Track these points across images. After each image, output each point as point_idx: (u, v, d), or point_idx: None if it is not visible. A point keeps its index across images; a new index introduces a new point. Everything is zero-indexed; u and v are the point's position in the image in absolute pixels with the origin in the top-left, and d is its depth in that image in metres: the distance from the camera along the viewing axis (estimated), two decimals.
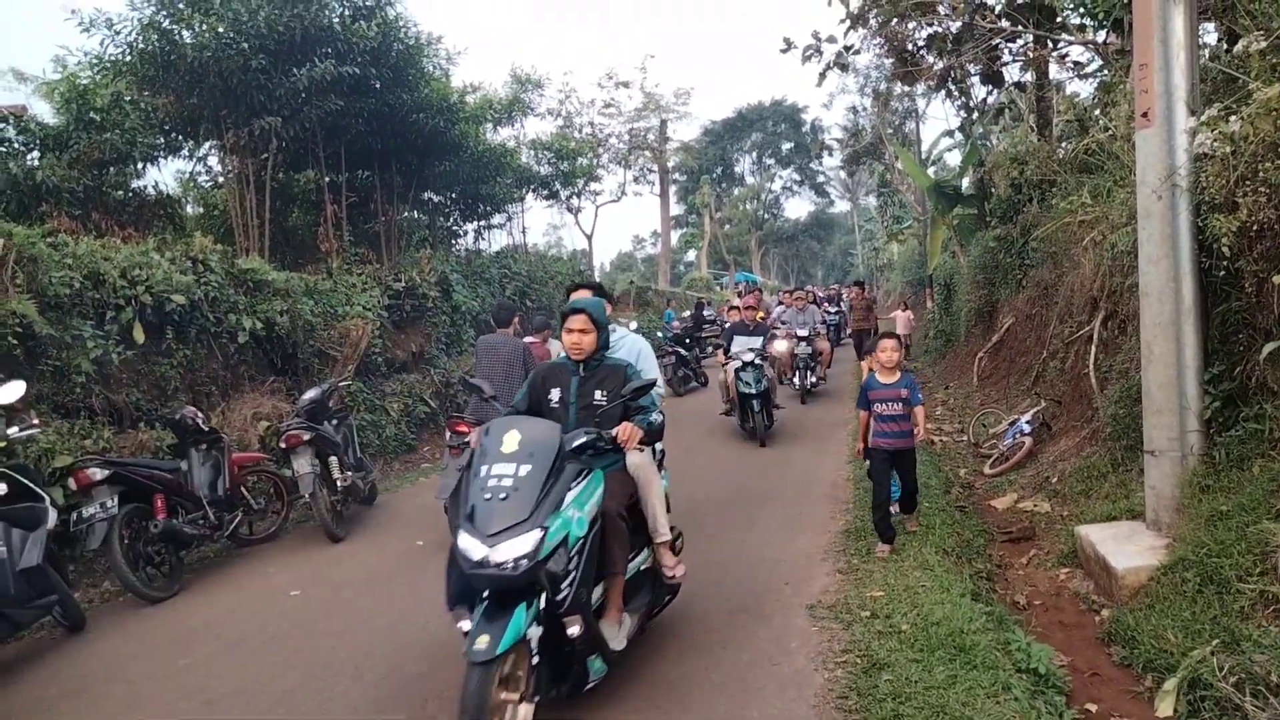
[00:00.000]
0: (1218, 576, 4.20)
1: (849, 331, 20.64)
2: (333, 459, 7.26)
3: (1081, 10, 9.42)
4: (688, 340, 16.35)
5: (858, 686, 3.75)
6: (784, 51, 13.96)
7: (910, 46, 14.55)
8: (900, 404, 5.69)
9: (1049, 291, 10.55)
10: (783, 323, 13.73)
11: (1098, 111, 8.84)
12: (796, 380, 12.97)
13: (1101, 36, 10.61)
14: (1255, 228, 4.13)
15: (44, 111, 11.92)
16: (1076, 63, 13.12)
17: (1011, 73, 14.53)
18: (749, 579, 5.43)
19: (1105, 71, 9.90)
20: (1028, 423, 8.92)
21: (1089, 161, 8.19)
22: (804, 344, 12.93)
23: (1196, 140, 4.53)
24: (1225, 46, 5.51)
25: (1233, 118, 4.17)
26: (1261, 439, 4.60)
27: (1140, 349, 5.31)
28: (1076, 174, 9.14)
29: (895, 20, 13.82)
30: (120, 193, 11.61)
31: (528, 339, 8.37)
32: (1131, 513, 5.66)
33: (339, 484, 7.23)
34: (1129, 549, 5.04)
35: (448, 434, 6.78)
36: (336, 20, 11.55)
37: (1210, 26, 5.95)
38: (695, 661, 4.21)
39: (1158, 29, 4.90)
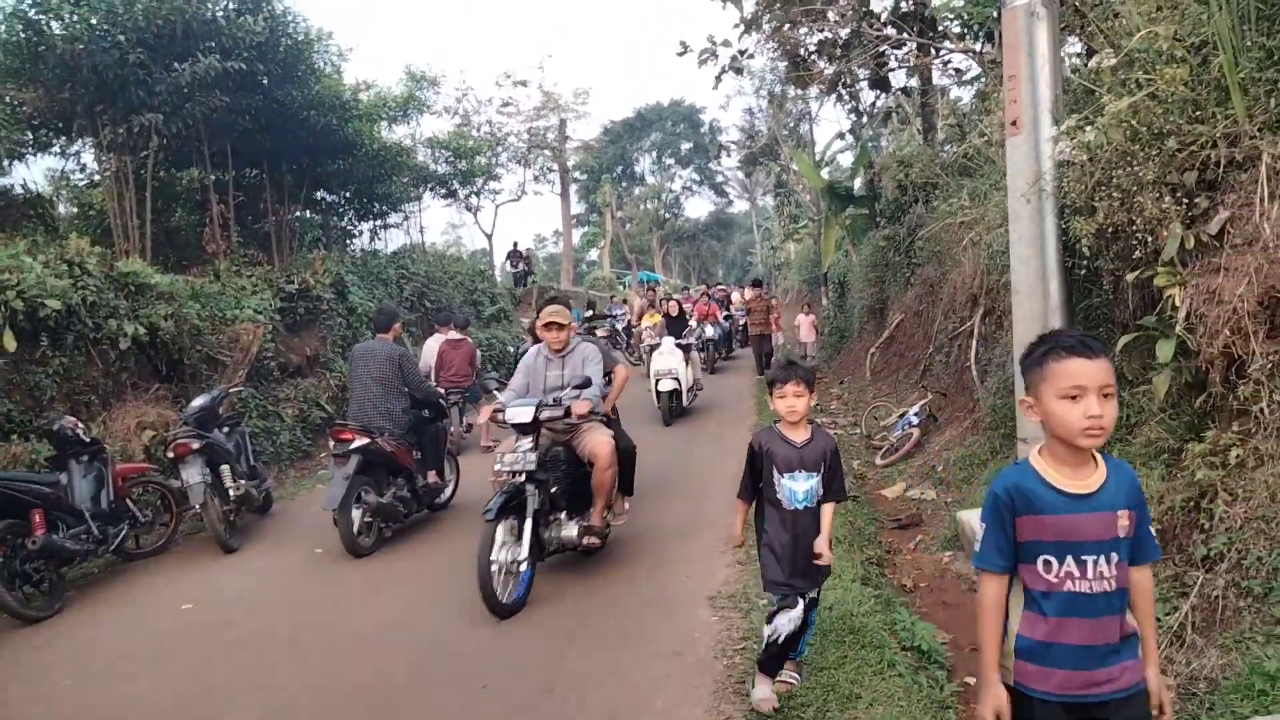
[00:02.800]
0: None
1: (743, 337, 19.67)
2: (224, 467, 7.03)
3: (958, 22, 9.90)
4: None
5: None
6: (680, 55, 14.19)
7: (802, 52, 15.04)
8: (1115, 558, 2.13)
9: (935, 289, 11.05)
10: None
11: (976, 117, 9.32)
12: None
13: (979, 46, 11.19)
14: (1110, 230, 4.46)
15: None
16: (958, 70, 13.79)
17: (899, 78, 15.19)
18: (653, 574, 5.55)
19: (984, 79, 10.44)
20: (915, 415, 9.35)
21: (968, 165, 8.63)
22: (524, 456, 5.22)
23: (1057, 148, 4.88)
24: (1086, 60, 5.91)
25: (1088, 128, 4.51)
26: (1122, 425, 4.96)
27: (1015, 343, 5.66)
28: (957, 177, 9.61)
29: (787, 25, 14.25)
30: None
31: (451, 334, 10.74)
32: None
33: (232, 493, 7.01)
34: None
35: (331, 443, 6.68)
36: (221, 14, 11.15)
37: (1076, 40, 6.37)
38: (602, 655, 4.29)
39: (1024, 43, 5.23)
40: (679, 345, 11.89)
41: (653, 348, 12.20)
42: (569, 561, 5.86)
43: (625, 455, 5.98)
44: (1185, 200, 4.10)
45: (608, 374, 6.20)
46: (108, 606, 5.70)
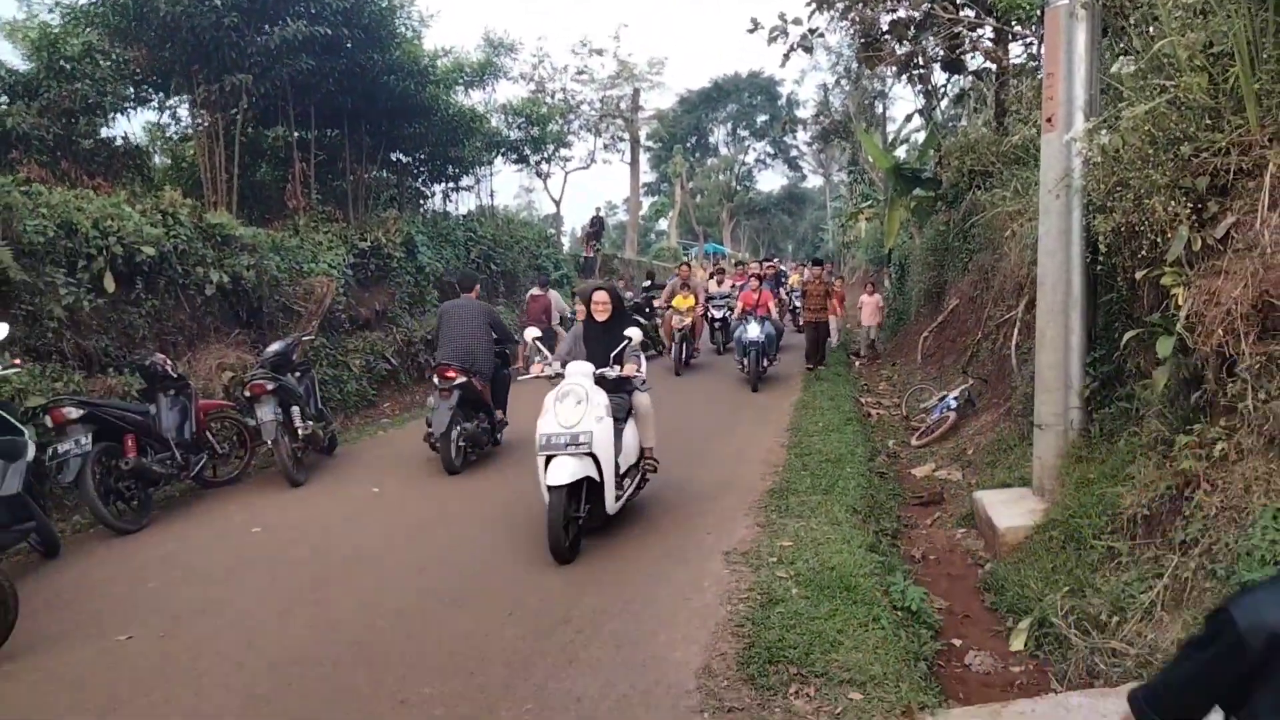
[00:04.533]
0: (1077, 535, 4.79)
1: (800, 322, 16.49)
2: (295, 408, 7.66)
3: (1021, 11, 9.89)
4: (647, 310, 16.43)
5: (753, 618, 4.30)
6: (750, 31, 14.29)
7: (874, 31, 15.02)
8: None
9: (988, 276, 11.11)
10: None
11: (1027, 110, 9.36)
12: None
13: None
14: (1125, 229, 4.66)
15: (5, 51, 12.00)
16: (1033, 56, 13.63)
17: (978, 59, 15.03)
18: (677, 529, 5.96)
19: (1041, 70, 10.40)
20: (954, 399, 9.54)
21: (1020, 155, 8.71)
22: None
23: (1075, 148, 5.06)
24: (1111, 64, 6.02)
25: (1104, 130, 4.69)
26: (1129, 416, 5.17)
27: (1036, 332, 5.88)
28: (1012, 166, 9.66)
29: (859, 5, 14.26)
30: (89, 142, 11.74)
31: (534, 291, 13.74)
32: (1024, 480, 6.25)
33: (300, 432, 7.63)
34: (1013, 511, 5.63)
35: (435, 379, 7.77)
36: None
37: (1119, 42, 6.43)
38: (617, 594, 4.73)
39: (1063, 42, 5.40)
40: (603, 379, 5.85)
41: (554, 380, 6.04)
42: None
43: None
44: (1197, 204, 4.29)
45: None
46: (187, 526, 6.36)
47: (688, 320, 13.76)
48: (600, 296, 6.34)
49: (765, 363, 12.64)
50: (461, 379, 7.59)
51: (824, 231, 60.28)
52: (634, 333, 6.11)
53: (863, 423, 10.22)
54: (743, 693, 3.63)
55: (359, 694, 3.74)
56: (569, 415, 5.44)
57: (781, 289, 18.36)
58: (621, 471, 5.79)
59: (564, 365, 5.95)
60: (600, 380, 5.81)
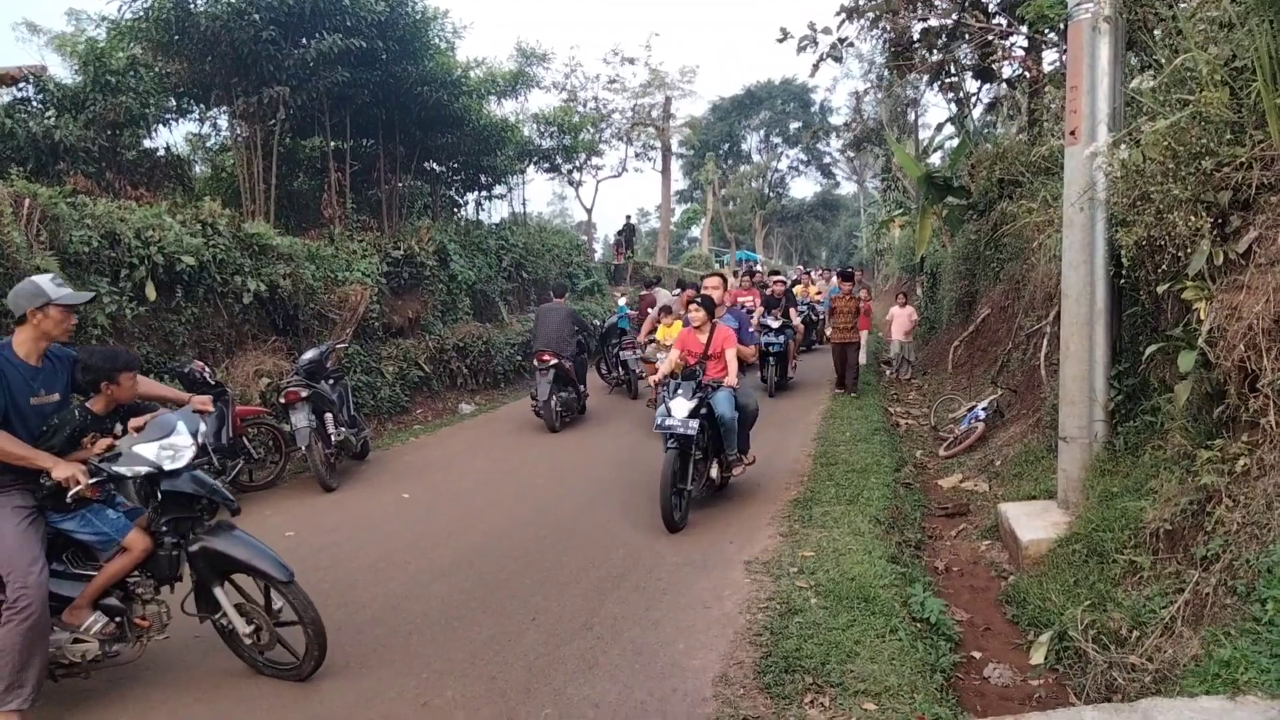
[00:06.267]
0: (1100, 548, 4.77)
1: (827, 337, 14.48)
2: (328, 415, 7.83)
3: (1049, 21, 9.84)
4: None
5: (772, 626, 4.35)
6: (780, 41, 14.35)
7: (904, 40, 15.01)
8: None
9: (1019, 285, 11.05)
10: None
11: (1051, 122, 9.30)
12: None
13: None
14: (1147, 243, 4.65)
15: (54, 63, 12.39)
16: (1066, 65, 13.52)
17: (1011, 66, 14.93)
18: (701, 538, 6.02)
19: None
20: (983, 409, 9.49)
21: (1049, 166, 8.66)
22: None
23: (1096, 162, 5.06)
24: (1129, 78, 5.99)
25: (1123, 145, 4.69)
26: (1154, 430, 5.15)
27: (1061, 345, 5.86)
28: (1042, 176, 9.60)
29: (889, 14, 14.26)
30: (132, 153, 12.08)
31: (644, 290, 15.48)
32: (1050, 493, 6.22)
33: (333, 438, 7.81)
34: (1037, 524, 5.62)
35: (535, 361, 10.30)
36: None
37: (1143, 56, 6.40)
38: (637, 602, 4.80)
39: (1086, 55, 5.40)
40: None
41: None
42: (622, 519, 6.39)
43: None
44: (1219, 218, 4.27)
45: None
46: None
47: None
48: None
49: (715, 473, 6.88)
50: (554, 361, 10.13)
51: (858, 238, 59.88)
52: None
53: (891, 433, 10.20)
54: (758, 701, 3.69)
55: (382, 696, 3.85)
56: None
57: (793, 308, 14.53)
58: None
59: None
60: None
